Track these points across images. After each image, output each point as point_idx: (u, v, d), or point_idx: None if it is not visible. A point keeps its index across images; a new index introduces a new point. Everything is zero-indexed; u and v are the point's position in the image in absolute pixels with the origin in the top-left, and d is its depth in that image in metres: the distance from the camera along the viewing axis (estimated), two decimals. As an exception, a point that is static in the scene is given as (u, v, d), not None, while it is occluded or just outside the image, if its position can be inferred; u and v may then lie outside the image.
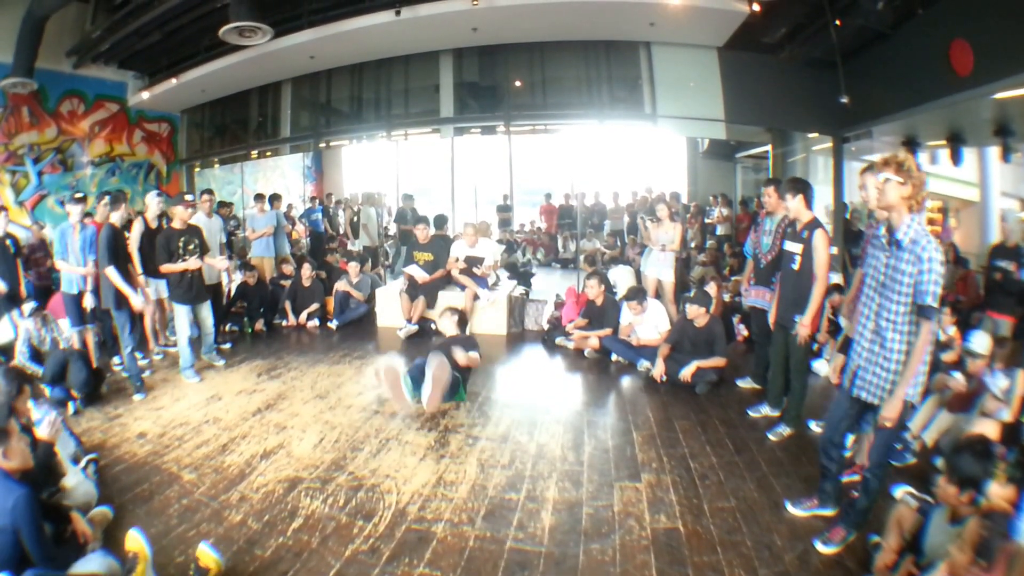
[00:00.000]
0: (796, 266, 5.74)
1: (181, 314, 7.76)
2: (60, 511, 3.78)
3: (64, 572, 3.30)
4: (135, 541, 3.56)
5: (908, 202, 3.62)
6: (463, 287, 10.04)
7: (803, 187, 5.78)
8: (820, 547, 4.00)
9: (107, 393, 7.07)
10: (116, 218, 7.26)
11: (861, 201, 7.99)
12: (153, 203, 8.39)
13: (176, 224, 7.73)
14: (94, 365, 7.24)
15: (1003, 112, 10.05)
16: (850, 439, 4.83)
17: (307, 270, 10.83)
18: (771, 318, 6.23)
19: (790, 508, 4.57)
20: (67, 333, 7.83)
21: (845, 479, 4.54)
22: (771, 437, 5.86)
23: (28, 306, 7.97)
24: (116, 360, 7.93)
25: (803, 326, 5.63)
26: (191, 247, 7.72)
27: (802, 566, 3.81)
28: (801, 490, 4.69)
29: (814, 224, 5.66)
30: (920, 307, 3.57)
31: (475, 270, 10.10)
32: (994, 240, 8.60)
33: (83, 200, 8.11)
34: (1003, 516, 3.09)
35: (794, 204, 5.74)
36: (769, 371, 6.51)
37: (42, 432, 4.29)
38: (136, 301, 7.16)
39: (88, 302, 7.72)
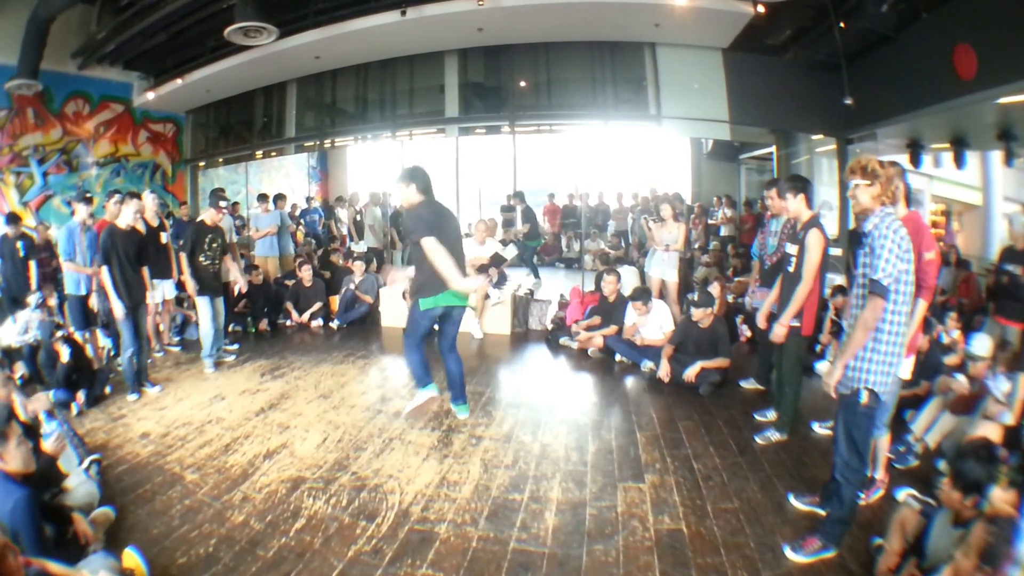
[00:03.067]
0: (792, 268, 5.64)
1: (204, 305, 7.82)
2: (62, 512, 3.79)
3: None
4: (132, 559, 3.58)
5: (879, 200, 3.68)
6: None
7: (803, 186, 5.66)
8: (789, 554, 3.93)
9: (110, 394, 7.09)
10: (126, 218, 7.24)
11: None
12: (150, 203, 8.43)
13: (207, 221, 7.89)
14: (95, 366, 7.28)
15: (1006, 116, 10.08)
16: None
17: (307, 272, 10.83)
18: (761, 315, 6.22)
19: (792, 500, 4.59)
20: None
21: None
22: (759, 440, 5.76)
23: (33, 297, 8.04)
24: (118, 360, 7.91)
25: (780, 325, 5.59)
26: (215, 244, 7.89)
27: (806, 569, 3.79)
28: (804, 490, 4.68)
29: (810, 224, 5.54)
30: (870, 282, 3.58)
31: (491, 269, 10.13)
32: (1000, 244, 8.58)
33: (91, 200, 8.15)
34: (1007, 521, 3.08)
35: (794, 204, 5.63)
36: (774, 373, 6.48)
37: (47, 446, 4.31)
38: (117, 311, 7.06)
39: (95, 303, 7.77)
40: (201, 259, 7.76)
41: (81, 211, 8.02)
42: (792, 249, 5.69)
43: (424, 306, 5.51)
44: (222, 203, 8.17)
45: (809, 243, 5.46)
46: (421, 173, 5.81)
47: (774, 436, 5.79)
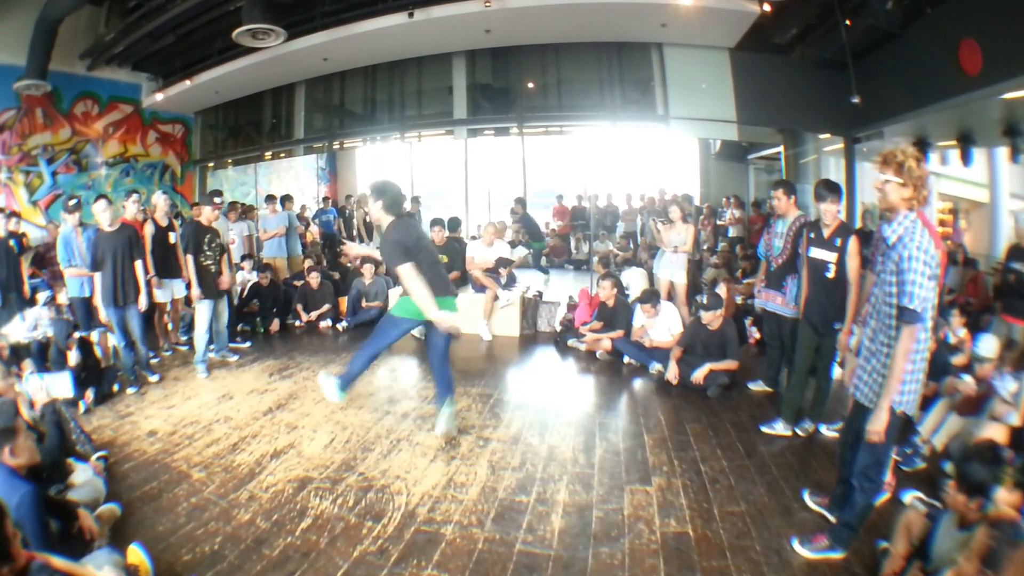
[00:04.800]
0: (831, 274, 5.52)
1: (204, 308, 7.85)
2: (67, 508, 3.81)
3: None
4: (136, 555, 3.60)
5: (909, 203, 3.48)
6: (482, 288, 10.06)
7: (837, 190, 5.63)
8: (796, 547, 3.97)
9: (118, 392, 7.12)
10: (103, 220, 7.33)
11: (873, 203, 7.94)
12: (161, 203, 8.48)
13: (204, 221, 7.94)
14: (102, 364, 7.34)
15: (1012, 112, 10.04)
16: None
17: (314, 276, 10.86)
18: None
19: (806, 497, 4.60)
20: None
21: None
22: (799, 432, 5.87)
23: (43, 295, 8.11)
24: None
25: (845, 334, 5.27)
26: (214, 245, 7.94)
27: (811, 572, 3.78)
28: (818, 491, 4.67)
29: (845, 230, 5.52)
30: (900, 309, 3.43)
31: (500, 270, 10.13)
32: (1007, 241, 8.54)
33: (78, 208, 8.19)
34: (1010, 524, 3.07)
35: (830, 208, 5.58)
36: (783, 376, 6.45)
37: (37, 398, 4.34)
38: (102, 314, 7.33)
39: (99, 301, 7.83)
40: (202, 260, 7.79)
41: (70, 219, 8.09)
42: (828, 256, 5.56)
43: (408, 315, 5.65)
44: (217, 199, 8.20)
45: (851, 250, 5.44)
46: (392, 190, 5.67)
47: (810, 426, 5.95)
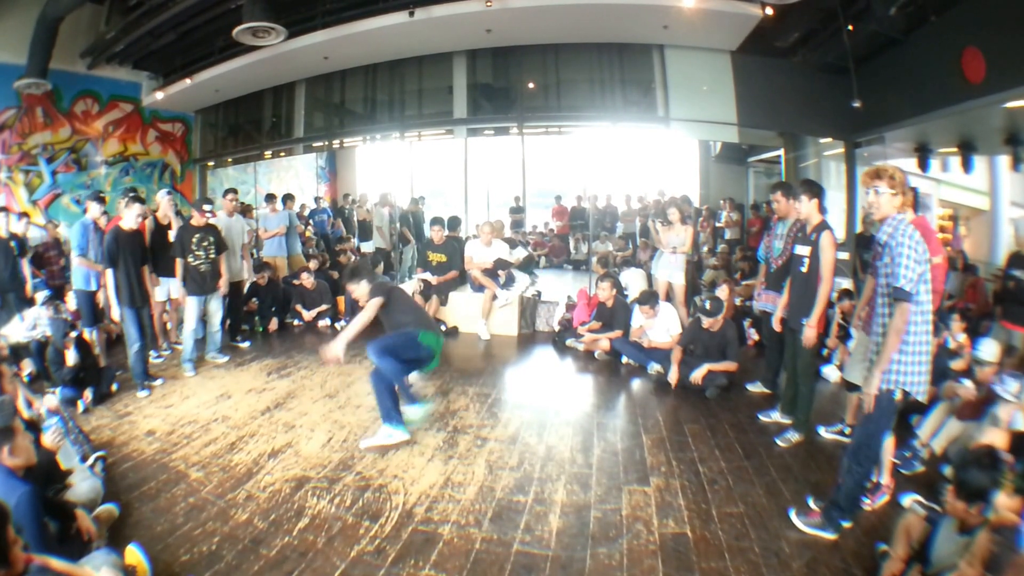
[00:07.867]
0: (805, 268, 5.68)
1: (191, 305, 7.90)
2: (65, 508, 3.81)
3: None
4: (134, 556, 3.60)
5: (900, 209, 3.90)
6: (481, 287, 10.06)
7: (817, 190, 5.71)
8: (793, 518, 4.25)
9: (117, 391, 7.11)
10: (129, 220, 7.27)
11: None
12: (164, 201, 8.47)
13: (194, 222, 7.97)
14: (101, 363, 7.33)
15: (1013, 121, 10.04)
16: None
17: (307, 278, 10.84)
18: (776, 319, 6.23)
19: (811, 504, 4.56)
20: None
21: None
22: (779, 443, 5.76)
23: (41, 295, 8.08)
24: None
25: (810, 327, 5.59)
26: (205, 244, 7.91)
27: (810, 573, 3.78)
28: (810, 493, 4.66)
29: (822, 226, 5.62)
30: (894, 289, 3.73)
31: (499, 272, 10.12)
32: (1007, 249, 8.55)
33: (103, 199, 8.17)
34: (1012, 530, 3.06)
35: (807, 207, 5.69)
36: (780, 376, 6.47)
37: (46, 439, 4.34)
38: (115, 313, 7.25)
39: (102, 299, 7.80)
40: (189, 259, 7.83)
41: (94, 209, 8.04)
42: (804, 251, 5.74)
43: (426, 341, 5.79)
44: (206, 207, 8.18)
45: (823, 244, 5.55)
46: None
47: (794, 437, 5.82)
